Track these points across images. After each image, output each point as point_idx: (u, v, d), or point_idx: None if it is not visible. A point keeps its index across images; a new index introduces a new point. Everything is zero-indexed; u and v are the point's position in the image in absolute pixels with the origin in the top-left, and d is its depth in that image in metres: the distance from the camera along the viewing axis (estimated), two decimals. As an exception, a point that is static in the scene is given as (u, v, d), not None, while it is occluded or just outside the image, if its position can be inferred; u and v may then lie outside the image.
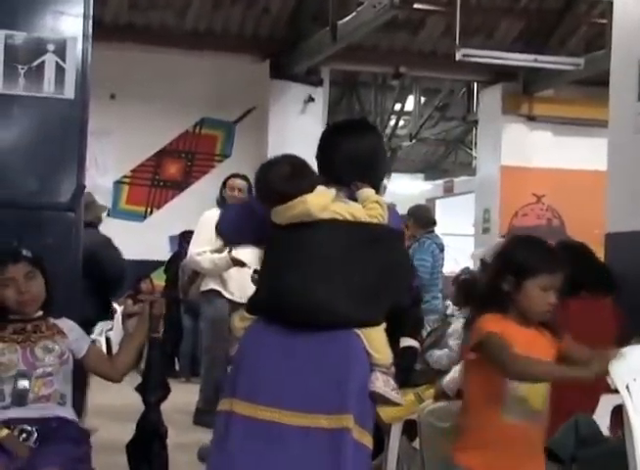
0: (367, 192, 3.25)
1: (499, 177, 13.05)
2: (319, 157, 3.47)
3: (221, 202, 7.84)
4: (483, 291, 3.32)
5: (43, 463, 3.45)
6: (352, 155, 3.35)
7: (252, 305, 3.24)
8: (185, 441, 7.16)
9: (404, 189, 19.70)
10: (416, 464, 5.53)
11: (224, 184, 7.90)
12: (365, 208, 3.21)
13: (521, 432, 3.15)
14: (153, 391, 3.91)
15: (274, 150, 12.65)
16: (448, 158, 21.31)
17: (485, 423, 3.16)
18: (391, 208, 3.34)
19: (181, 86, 12.80)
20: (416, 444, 5.32)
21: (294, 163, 3.41)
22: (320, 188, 3.26)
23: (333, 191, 3.25)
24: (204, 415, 7.53)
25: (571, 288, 4.60)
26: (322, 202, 3.19)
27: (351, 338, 3.05)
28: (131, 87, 12.66)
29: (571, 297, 4.59)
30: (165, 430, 3.93)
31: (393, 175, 19.42)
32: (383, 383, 3.08)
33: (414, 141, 17.30)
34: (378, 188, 3.37)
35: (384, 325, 3.14)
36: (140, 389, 3.98)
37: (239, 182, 7.91)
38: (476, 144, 15.04)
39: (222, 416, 3.13)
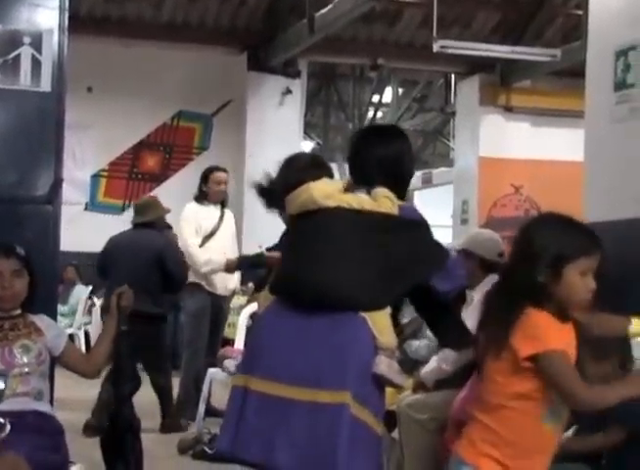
0: (380, 190, 3.38)
1: (477, 168, 13.10)
2: (350, 159, 3.61)
3: (201, 196, 7.81)
4: (516, 287, 2.86)
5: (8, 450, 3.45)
6: (379, 158, 3.48)
7: (272, 288, 3.40)
8: (161, 434, 7.17)
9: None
10: (395, 454, 5.56)
11: (206, 178, 7.84)
12: (375, 200, 3.33)
13: (556, 436, 2.94)
14: (123, 384, 3.91)
15: (252, 142, 12.69)
16: (427, 149, 21.34)
17: (526, 431, 2.85)
18: (406, 206, 3.44)
19: (158, 79, 12.78)
20: (395, 434, 5.35)
21: (313, 156, 3.84)
22: (325, 179, 3.45)
23: (340, 182, 3.45)
24: (184, 407, 7.53)
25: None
26: (326, 189, 3.35)
27: (357, 320, 3.17)
28: (108, 80, 12.62)
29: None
30: (138, 422, 3.92)
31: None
32: (386, 366, 3.17)
33: (392, 133, 17.32)
34: (403, 192, 3.50)
35: (389, 310, 3.23)
36: (111, 382, 3.97)
37: (223, 176, 7.91)
38: (454, 135, 15.07)
39: (238, 391, 3.29)
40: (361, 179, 3.47)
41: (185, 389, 7.69)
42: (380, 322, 3.18)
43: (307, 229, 3.36)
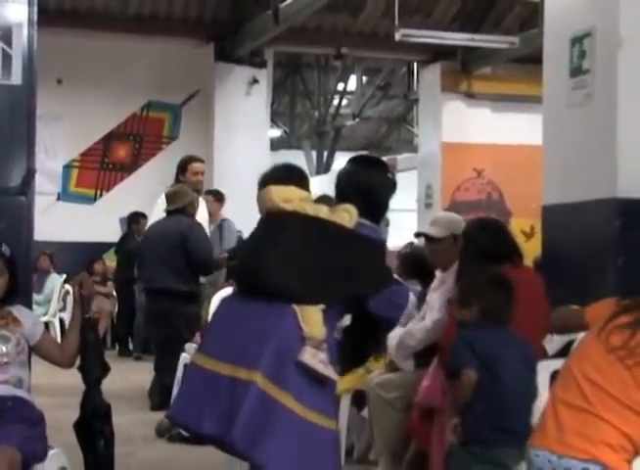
0: (344, 205, 3.63)
1: (440, 153, 13.14)
2: (335, 184, 3.85)
3: (177, 184, 7.84)
4: None
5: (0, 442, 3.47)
6: (356, 185, 3.74)
7: (234, 276, 3.80)
8: (141, 418, 7.17)
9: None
10: (365, 433, 5.61)
11: (184, 168, 7.88)
12: (333, 212, 3.58)
13: None
14: (91, 370, 3.93)
15: (220, 131, 12.67)
16: (391, 135, 21.41)
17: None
18: (368, 225, 3.66)
19: (127, 70, 12.72)
20: (365, 413, 5.40)
21: (293, 168, 3.97)
22: (292, 187, 3.68)
23: (306, 193, 3.70)
24: (159, 396, 7.51)
25: (494, 260, 4.69)
26: (285, 194, 3.62)
27: (286, 310, 3.41)
28: (78, 72, 12.55)
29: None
30: (108, 407, 3.94)
31: (338, 154, 19.48)
32: (310, 355, 3.35)
33: (357, 120, 17.36)
34: (377, 217, 3.76)
35: (322, 306, 3.43)
36: (78, 368, 3.99)
37: (201, 166, 8.01)
38: (417, 122, 15.11)
39: (189, 366, 3.68)
40: (343, 202, 3.69)
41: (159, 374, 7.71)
42: (309, 315, 3.40)
43: (264, 227, 3.67)
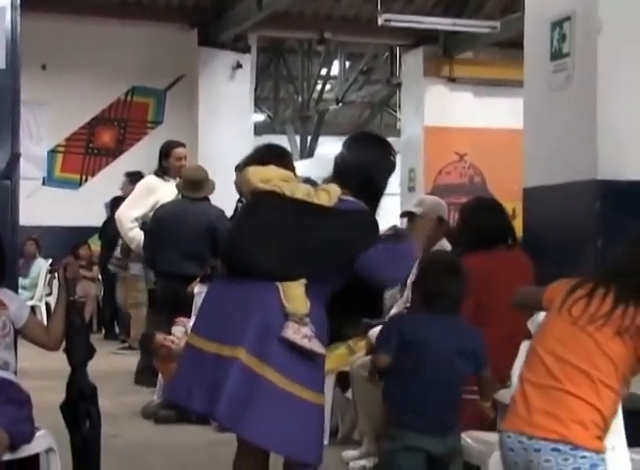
0: (326, 185, 3.59)
1: (423, 137, 13.14)
2: (334, 164, 3.80)
3: (161, 171, 7.84)
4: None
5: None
6: (352, 164, 3.70)
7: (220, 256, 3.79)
8: (127, 400, 7.18)
9: (332, 151, 19.71)
10: (349, 413, 5.63)
11: (167, 154, 7.86)
12: (314, 191, 3.54)
13: None
14: (76, 352, 3.93)
15: (204, 116, 12.64)
16: (374, 120, 21.38)
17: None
18: (350, 200, 3.57)
19: (111, 55, 12.65)
20: (349, 394, 5.42)
21: (272, 147, 4.06)
22: (272, 166, 3.65)
23: (287, 173, 3.64)
24: (144, 375, 7.54)
25: (489, 240, 4.71)
26: (262, 174, 3.59)
27: (268, 288, 3.42)
28: (62, 57, 12.49)
29: (490, 250, 4.70)
30: (93, 389, 3.95)
31: (322, 138, 19.46)
32: (292, 331, 3.37)
33: (340, 104, 17.32)
34: (374, 199, 3.67)
35: (303, 281, 3.43)
36: (64, 350, 4.00)
37: (184, 151, 8.00)
38: (400, 106, 15.09)
39: (184, 346, 3.72)
40: (341, 182, 3.63)
41: (145, 357, 7.70)
42: (291, 291, 3.41)
43: (244, 208, 3.74)
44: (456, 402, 3.55)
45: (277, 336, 3.37)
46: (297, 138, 19.92)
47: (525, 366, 2.94)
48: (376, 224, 3.60)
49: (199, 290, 6.91)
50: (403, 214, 5.53)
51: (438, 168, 13.22)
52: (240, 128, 12.67)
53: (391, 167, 3.82)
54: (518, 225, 5.82)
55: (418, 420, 3.44)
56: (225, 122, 12.56)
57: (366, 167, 3.69)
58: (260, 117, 19.46)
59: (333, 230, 3.48)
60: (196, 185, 7.37)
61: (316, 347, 3.41)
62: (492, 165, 12.81)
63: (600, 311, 2.79)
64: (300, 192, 3.53)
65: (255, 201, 3.61)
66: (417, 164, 13.23)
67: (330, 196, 3.53)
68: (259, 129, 16.77)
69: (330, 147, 19.90)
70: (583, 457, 2.70)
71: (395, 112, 17.93)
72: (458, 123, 12.99)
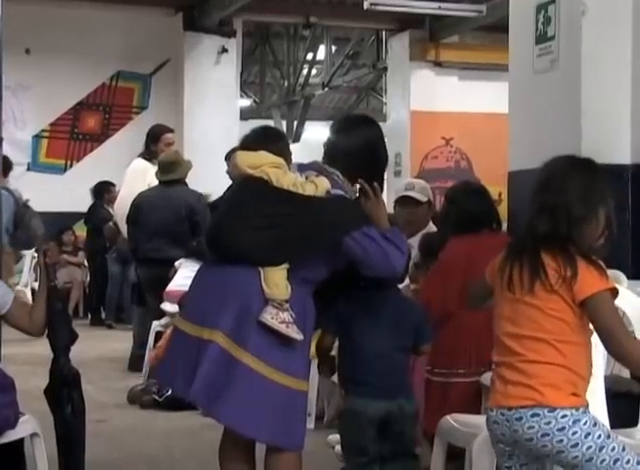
0: (319, 178, 3.52)
1: (409, 122, 13.11)
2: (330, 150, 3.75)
3: (148, 155, 7.85)
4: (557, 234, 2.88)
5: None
6: (347, 149, 3.65)
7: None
8: (114, 385, 7.18)
9: (319, 136, 19.67)
10: (335, 398, 5.64)
11: (156, 138, 7.88)
12: (303, 183, 3.51)
13: None
14: (58, 338, 3.92)
15: (190, 100, 12.59)
16: (360, 104, 21.32)
17: (583, 352, 2.90)
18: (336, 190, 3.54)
19: (96, 40, 12.59)
20: (335, 378, 5.42)
21: (265, 131, 3.86)
22: (263, 152, 3.59)
23: (276, 159, 3.57)
24: (138, 361, 7.51)
25: (474, 225, 4.72)
26: (251, 160, 3.55)
27: (249, 272, 3.43)
28: (46, 42, 12.42)
29: (475, 233, 4.70)
30: (76, 374, 3.94)
31: (308, 123, 19.41)
32: (271, 315, 3.37)
33: (327, 89, 17.25)
34: (375, 180, 3.59)
35: (285, 266, 3.43)
36: (46, 335, 3.99)
37: (173, 136, 8.03)
38: (386, 90, 15.06)
39: (172, 329, 3.82)
40: (337, 169, 3.60)
41: (139, 342, 7.72)
42: (272, 276, 3.41)
43: (232, 192, 3.66)
44: (397, 370, 3.66)
45: (256, 320, 3.37)
46: (284, 123, 19.88)
47: (494, 351, 3.02)
48: (358, 208, 3.53)
49: (180, 263, 6.96)
50: (401, 200, 5.51)
51: (425, 153, 13.20)
52: (226, 113, 12.62)
53: (380, 146, 3.79)
54: (504, 209, 5.84)
55: (357, 386, 3.62)
56: (211, 107, 12.52)
57: (372, 149, 3.67)
58: (246, 102, 19.38)
59: (314, 217, 3.46)
60: (167, 167, 7.38)
61: (293, 333, 3.40)
62: (478, 150, 12.80)
63: (526, 278, 2.87)
64: (287, 181, 3.50)
65: (241, 186, 3.60)
66: (403, 148, 13.21)
67: (317, 188, 3.50)
68: (245, 114, 16.71)
69: (316, 132, 19.85)
70: (564, 416, 2.78)
71: (382, 96, 17.89)
72: (444, 108, 12.97)
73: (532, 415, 2.80)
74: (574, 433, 2.77)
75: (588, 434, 2.77)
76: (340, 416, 3.73)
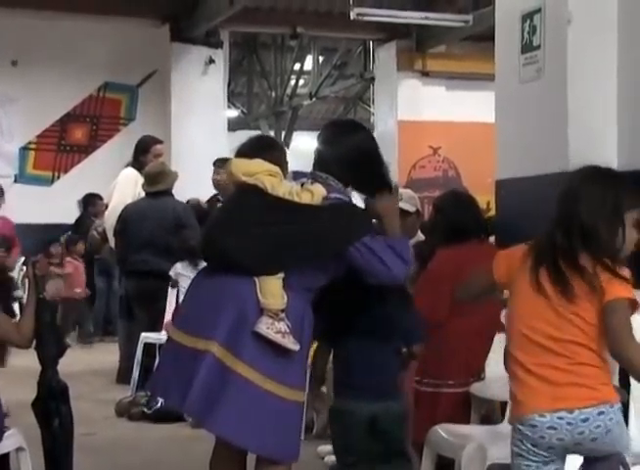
0: (315, 185, 3.50)
1: (397, 132, 13.14)
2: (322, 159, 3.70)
3: (137, 166, 7.86)
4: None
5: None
6: (338, 157, 3.61)
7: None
8: (102, 398, 7.15)
9: (306, 146, 19.67)
10: (325, 408, 5.61)
11: (145, 149, 7.89)
12: (299, 191, 3.48)
13: None
14: (46, 350, 3.91)
15: (177, 111, 12.58)
16: (348, 114, 21.37)
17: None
18: (335, 196, 3.50)
19: (83, 51, 12.56)
20: (324, 389, 5.40)
21: (260, 140, 3.90)
22: (258, 160, 3.57)
23: (270, 167, 3.55)
24: (126, 373, 7.48)
25: (462, 234, 4.72)
26: (246, 167, 3.54)
27: (245, 281, 3.40)
28: (33, 53, 12.38)
29: (464, 243, 4.70)
30: (64, 387, 3.92)
31: (296, 133, 19.42)
32: (266, 325, 3.34)
33: (314, 99, 17.26)
34: (371, 187, 3.57)
35: (280, 275, 3.41)
36: (34, 347, 3.98)
37: (162, 148, 8.09)
38: (373, 100, 15.08)
39: (167, 340, 3.73)
40: (339, 178, 3.56)
41: (126, 354, 7.69)
42: (267, 286, 3.39)
43: (228, 201, 3.70)
44: (385, 372, 3.65)
45: (251, 330, 3.34)
46: (272, 133, 19.89)
47: (516, 350, 3.00)
48: (362, 215, 3.51)
49: (177, 271, 6.93)
50: None
51: (413, 162, 13.23)
52: (213, 124, 12.61)
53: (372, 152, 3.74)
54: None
55: (346, 388, 3.63)
56: (198, 118, 12.51)
57: (365, 155, 3.63)
58: (234, 113, 19.39)
59: (311, 226, 3.43)
60: (154, 178, 7.37)
61: (289, 343, 3.37)
62: (466, 159, 12.83)
63: (560, 286, 2.92)
64: (283, 190, 3.48)
65: (236, 194, 3.59)
66: (391, 158, 13.18)
67: (313, 196, 3.46)
68: (233, 125, 16.71)
69: (304, 142, 19.87)
70: (619, 409, 2.92)
71: (369, 106, 17.91)
72: (431, 117, 13.00)
73: (599, 413, 2.86)
74: (621, 425, 2.91)
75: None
76: (330, 416, 3.75)
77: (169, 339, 3.61)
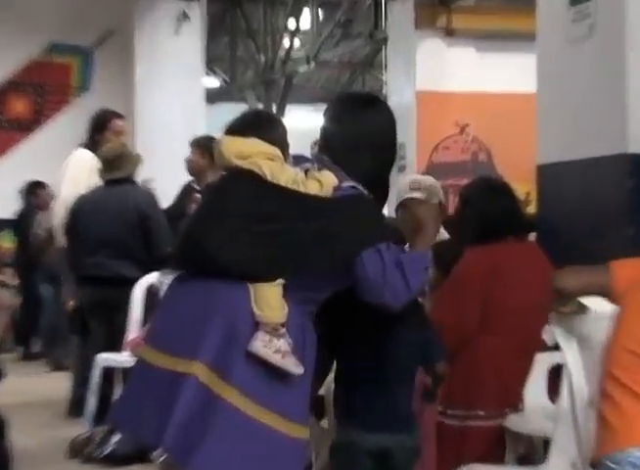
0: (323, 173, 3.50)
1: (415, 105, 13.13)
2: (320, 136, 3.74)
3: (92, 146, 7.87)
4: None
5: None
6: (351, 140, 3.63)
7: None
8: (49, 434, 7.17)
9: (303, 123, 19.71)
10: (325, 446, 5.63)
11: (102, 126, 7.92)
12: (305, 180, 3.47)
13: None
14: None
15: (143, 79, 12.61)
16: (354, 84, 21.44)
17: None
18: (346, 185, 3.52)
19: (25, 6, 12.60)
20: (325, 423, 5.42)
21: (258, 114, 3.92)
22: (254, 139, 3.55)
23: (269, 148, 3.53)
24: (79, 403, 7.48)
25: (494, 232, 4.74)
26: (240, 147, 3.52)
27: (236, 288, 3.38)
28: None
29: (498, 242, 4.72)
30: (1, 421, 3.93)
31: (290, 107, 19.48)
32: (263, 343, 3.32)
33: (312, 65, 17.31)
34: (379, 184, 3.63)
35: (280, 281, 3.37)
36: None
37: (124, 124, 8.06)
38: (386, 66, 15.11)
39: (135, 362, 3.69)
40: (335, 161, 3.58)
41: (78, 381, 7.72)
42: (263, 295, 3.36)
43: (214, 189, 3.65)
44: (399, 399, 3.68)
45: (244, 349, 3.33)
46: (260, 107, 19.94)
47: (614, 368, 3.05)
48: (378, 215, 3.54)
49: (160, 279, 6.92)
50: (406, 203, 5.49)
51: (435, 143, 13.24)
52: (188, 95, 12.66)
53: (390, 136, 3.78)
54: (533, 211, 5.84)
55: (352, 417, 3.66)
56: (169, 89, 12.54)
57: (383, 139, 3.68)
58: (214, 82, 19.45)
59: (320, 222, 3.43)
60: (112, 162, 7.37)
61: (291, 365, 3.36)
62: (500, 138, 12.84)
63: None
64: (285, 177, 3.47)
65: (227, 181, 3.57)
66: (408, 137, 13.22)
67: (322, 186, 3.47)
68: (213, 96, 16.75)
69: (300, 117, 19.92)
70: None
71: (381, 74, 17.95)
72: (458, 87, 13.00)
73: None
74: None
75: None
76: (331, 452, 3.74)
77: (139, 360, 3.57)
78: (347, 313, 3.61)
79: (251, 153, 3.51)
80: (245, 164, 3.49)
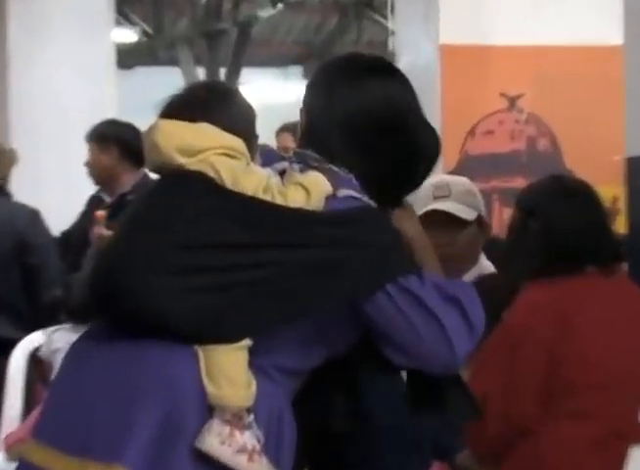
0: (309, 175, 3.51)
1: (437, 67, 13.19)
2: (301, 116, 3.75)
3: None
4: None
5: None
6: (345, 120, 3.64)
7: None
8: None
9: (269, 92, 19.82)
10: None
11: None
12: (281, 187, 3.48)
13: None
14: None
15: (20, 35, 12.72)
16: (344, 34, 21.54)
17: None
18: (343, 194, 3.54)
19: None
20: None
21: (212, 87, 3.95)
22: (205, 125, 3.56)
23: (236, 142, 3.54)
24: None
25: (569, 259, 4.80)
26: (186, 137, 3.51)
27: (177, 353, 3.37)
28: None
29: (571, 276, 4.77)
30: None
31: (247, 71, 19.59)
32: (219, 438, 3.32)
33: (280, 7, 17.44)
34: (393, 188, 3.68)
35: (246, 342, 3.38)
36: None
37: None
38: (393, 8, 15.23)
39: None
40: (320, 152, 3.63)
41: None
42: (221, 363, 3.36)
43: (142, 201, 3.65)
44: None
45: (189, 447, 3.34)
46: (200, 72, 19.99)
47: None
48: (394, 236, 3.51)
49: (52, 345, 6.99)
50: (429, 216, 5.53)
51: (470, 125, 13.25)
52: (90, 58, 12.75)
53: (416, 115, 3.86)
54: (622, 224, 5.93)
55: None
56: (61, 48, 12.63)
57: (398, 117, 3.72)
58: (129, 36, 19.55)
59: (309, 252, 3.43)
60: None
61: (254, 467, 3.36)
62: (571, 118, 12.89)
63: None
64: (254, 183, 3.46)
65: (165, 189, 3.56)
66: (429, 113, 13.26)
67: (309, 195, 3.47)
68: (127, 57, 16.85)
69: (262, 87, 20.01)
70: None
71: (385, 19, 18.08)
72: (504, 39, 13.08)
73: None
74: None
75: None
76: None
77: (23, 462, 3.57)
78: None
79: (203, 147, 3.50)
80: (192, 164, 3.48)
